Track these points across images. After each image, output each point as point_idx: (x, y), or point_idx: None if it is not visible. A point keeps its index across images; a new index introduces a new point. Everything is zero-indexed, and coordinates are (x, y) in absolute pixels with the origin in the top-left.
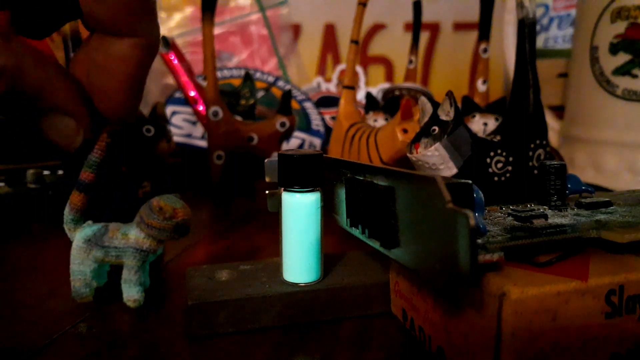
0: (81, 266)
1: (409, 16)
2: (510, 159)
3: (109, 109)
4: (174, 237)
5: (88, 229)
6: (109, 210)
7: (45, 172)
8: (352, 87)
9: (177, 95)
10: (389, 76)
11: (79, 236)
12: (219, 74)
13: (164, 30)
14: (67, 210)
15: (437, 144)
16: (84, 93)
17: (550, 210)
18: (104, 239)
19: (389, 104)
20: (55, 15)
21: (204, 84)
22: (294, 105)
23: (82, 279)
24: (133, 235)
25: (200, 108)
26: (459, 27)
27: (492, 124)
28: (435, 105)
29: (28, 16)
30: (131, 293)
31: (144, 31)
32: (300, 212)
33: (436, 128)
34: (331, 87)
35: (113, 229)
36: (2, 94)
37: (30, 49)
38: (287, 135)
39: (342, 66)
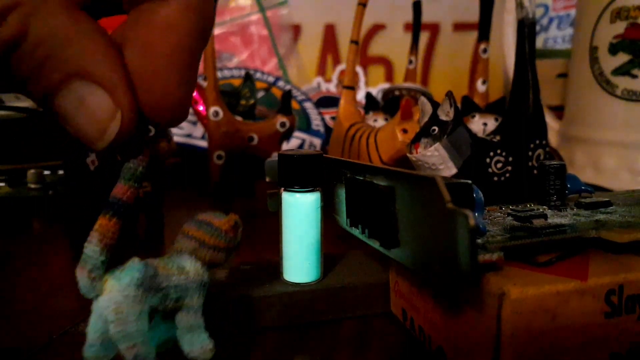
0: (139, 323)
1: (409, 16)
2: (510, 159)
3: (154, 102)
4: (232, 254)
5: (135, 271)
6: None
7: (46, 172)
8: (352, 87)
9: None
10: (389, 76)
11: (124, 283)
12: (219, 74)
13: None
14: (95, 250)
15: (437, 144)
16: (122, 59)
17: (549, 210)
18: (159, 280)
19: (389, 104)
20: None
21: (204, 84)
22: (294, 105)
23: (143, 340)
24: (191, 267)
25: (201, 108)
26: (459, 27)
27: (491, 124)
28: (435, 105)
29: None
30: (204, 341)
31: None
32: (300, 212)
33: (436, 128)
34: (331, 87)
35: (159, 265)
36: (10, 42)
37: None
38: (287, 135)
39: (342, 66)
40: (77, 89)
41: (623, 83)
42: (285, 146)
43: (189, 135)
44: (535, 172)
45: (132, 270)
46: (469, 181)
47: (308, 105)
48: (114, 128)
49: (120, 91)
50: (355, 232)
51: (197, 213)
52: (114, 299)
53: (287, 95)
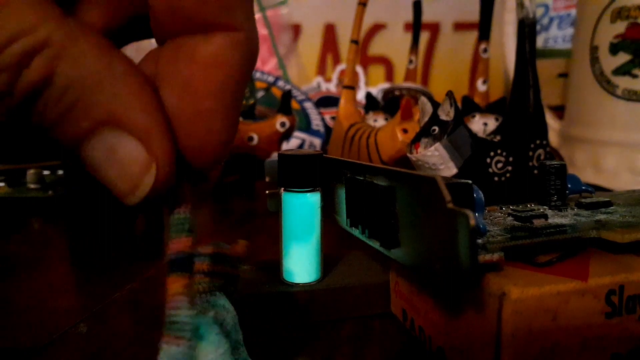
0: None
1: (409, 16)
2: (511, 159)
3: (196, 147)
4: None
5: (216, 335)
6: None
7: (46, 172)
8: (352, 87)
9: None
10: (389, 76)
11: (213, 347)
12: None
13: None
14: (184, 311)
15: (437, 144)
16: (159, 101)
17: (550, 210)
18: (225, 328)
19: (389, 104)
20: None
21: None
22: (294, 105)
23: None
24: (227, 302)
25: None
26: (459, 27)
27: (492, 124)
28: (435, 105)
29: None
30: None
31: (242, 21)
32: (300, 212)
33: (436, 128)
34: (331, 87)
35: (210, 311)
36: (35, 87)
37: (90, 30)
38: (287, 135)
39: (342, 66)
40: (107, 139)
41: (624, 83)
42: (285, 146)
43: None
44: (535, 172)
45: (215, 334)
46: (469, 181)
47: (308, 105)
48: (148, 182)
49: (156, 140)
50: (355, 232)
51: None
52: None
53: (287, 95)
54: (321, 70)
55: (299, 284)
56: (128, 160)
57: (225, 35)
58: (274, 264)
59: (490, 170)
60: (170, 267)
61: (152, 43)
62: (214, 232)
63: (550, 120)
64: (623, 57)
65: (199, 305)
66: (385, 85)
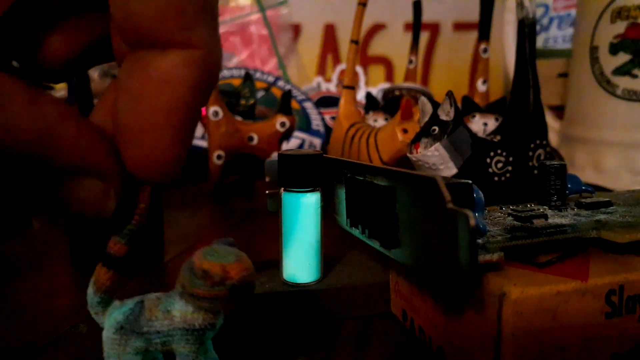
0: None
1: (409, 16)
2: (510, 159)
3: (143, 160)
4: (234, 303)
5: (117, 313)
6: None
7: None
8: (352, 87)
9: None
10: (389, 76)
11: (108, 324)
12: None
13: None
14: (91, 291)
15: (437, 144)
16: (109, 142)
17: (550, 210)
18: (141, 323)
19: (389, 104)
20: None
21: None
22: (294, 105)
23: None
24: (178, 311)
25: None
26: (459, 27)
27: (492, 124)
28: (435, 105)
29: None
30: None
31: (200, 39)
32: (300, 212)
33: (436, 128)
34: (331, 87)
35: (150, 306)
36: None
37: (56, 102)
38: (287, 135)
39: (342, 66)
40: (74, 183)
41: (623, 83)
42: (285, 146)
43: None
44: (535, 172)
45: (114, 313)
46: (469, 181)
47: (308, 105)
48: (112, 202)
49: (107, 171)
50: (355, 232)
51: (214, 241)
52: (104, 336)
53: (287, 95)
54: (321, 70)
55: (299, 284)
56: (93, 195)
57: (180, 52)
58: (274, 264)
59: (490, 170)
60: (105, 261)
61: None
62: (214, 232)
63: (550, 120)
64: (623, 57)
65: (103, 290)
66: (385, 85)
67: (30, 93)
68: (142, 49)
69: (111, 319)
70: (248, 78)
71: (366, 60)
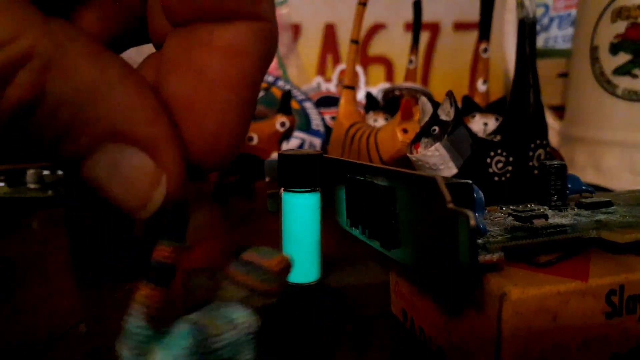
0: None
1: (409, 16)
2: (511, 159)
3: (206, 141)
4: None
5: (184, 339)
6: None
7: (45, 172)
8: (352, 87)
9: None
10: (389, 76)
11: (176, 354)
12: None
13: None
14: (136, 324)
15: (437, 144)
16: (171, 119)
17: (550, 211)
18: (211, 341)
19: (389, 104)
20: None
21: None
22: (294, 105)
23: None
24: (242, 317)
25: None
26: (459, 27)
27: (492, 124)
28: (435, 105)
29: None
30: None
31: (266, 11)
32: (300, 212)
33: (436, 128)
34: (331, 87)
35: (210, 322)
36: (21, 106)
37: (78, 34)
38: (287, 135)
39: (342, 66)
40: (110, 154)
41: (624, 83)
42: (285, 146)
43: None
44: (536, 172)
45: (181, 338)
46: (470, 181)
47: (308, 105)
48: (159, 195)
49: (163, 150)
50: (355, 232)
51: (243, 251)
52: None
53: (287, 95)
54: (321, 70)
55: (299, 284)
56: (134, 175)
57: (248, 23)
58: None
59: (490, 170)
60: (146, 274)
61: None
62: (214, 232)
63: (550, 120)
64: (623, 57)
65: (152, 320)
66: (385, 85)
67: (92, 45)
68: (203, 22)
69: (176, 348)
70: None
71: (366, 60)
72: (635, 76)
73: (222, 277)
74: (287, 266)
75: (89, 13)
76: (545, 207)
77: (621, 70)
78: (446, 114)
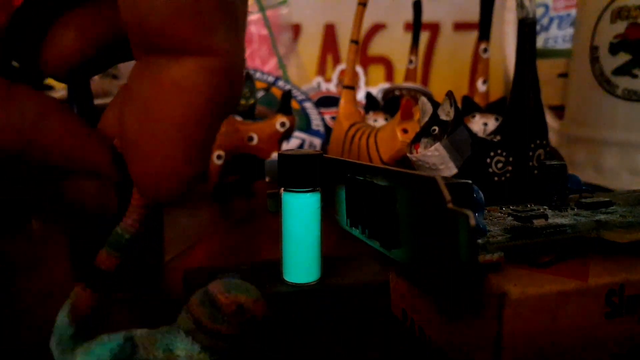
0: None
1: (409, 16)
2: (510, 159)
3: (151, 179)
4: (241, 341)
5: (100, 350)
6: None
7: None
8: (352, 87)
9: None
10: (389, 76)
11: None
12: None
13: None
14: (64, 322)
15: (437, 144)
16: (102, 139)
17: (550, 211)
18: None
19: (389, 104)
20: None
21: None
22: (294, 105)
23: None
24: (183, 350)
25: None
26: (459, 27)
27: (492, 124)
28: (435, 105)
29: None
30: None
31: (220, 45)
32: (300, 212)
33: (436, 128)
34: (331, 87)
35: (144, 343)
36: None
37: (35, 97)
38: (287, 135)
39: (342, 66)
40: (70, 187)
41: (624, 83)
42: (285, 146)
43: None
44: (535, 172)
45: (104, 349)
46: (469, 181)
47: (308, 105)
48: (113, 204)
49: (109, 173)
50: (355, 232)
51: (218, 276)
52: None
53: (287, 95)
54: (321, 70)
55: (299, 284)
56: (91, 197)
57: (197, 59)
58: (274, 264)
59: (490, 170)
60: (87, 277)
61: None
62: (214, 232)
63: (550, 120)
64: (623, 57)
65: (83, 319)
66: (385, 85)
67: (5, 93)
68: (153, 54)
69: (92, 355)
70: (248, 78)
71: (366, 60)
72: (635, 76)
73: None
74: (244, 310)
75: (67, 31)
76: (545, 207)
77: (621, 70)
78: (446, 114)
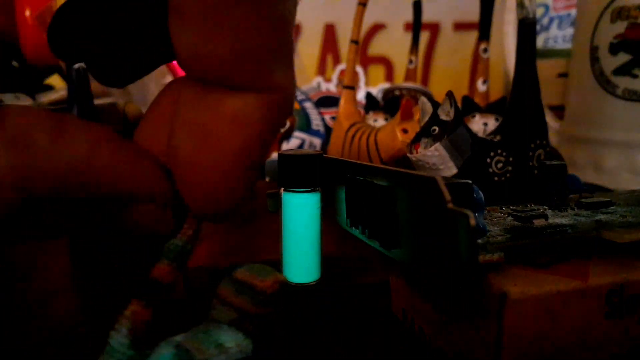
0: None
1: (409, 16)
2: (511, 159)
3: (204, 201)
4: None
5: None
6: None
7: None
8: (352, 87)
9: None
10: (389, 76)
11: None
12: None
13: None
14: (119, 340)
15: (437, 144)
16: (155, 164)
17: (550, 211)
18: None
19: (389, 104)
20: (142, 63)
21: None
22: (294, 105)
23: None
24: (232, 342)
25: None
26: (459, 27)
27: (492, 124)
28: (436, 105)
29: (111, 66)
30: None
31: (278, 83)
32: (300, 213)
33: (436, 128)
34: (331, 87)
35: (197, 346)
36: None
37: (86, 127)
38: (287, 135)
39: (342, 66)
40: (129, 215)
41: (624, 83)
42: (285, 146)
43: None
44: (535, 172)
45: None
46: (470, 181)
47: (308, 105)
48: (169, 226)
49: (165, 197)
50: (355, 232)
51: (237, 268)
52: None
53: None
54: (321, 70)
55: (299, 284)
56: (152, 222)
57: (258, 95)
58: (274, 264)
59: (490, 170)
60: (140, 289)
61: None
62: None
63: (550, 120)
64: (623, 57)
65: (135, 337)
66: (385, 85)
67: (55, 127)
68: (214, 87)
69: None
70: None
71: (366, 60)
72: (635, 76)
73: (214, 296)
74: (281, 287)
75: None
76: (545, 207)
77: (621, 70)
78: (446, 114)
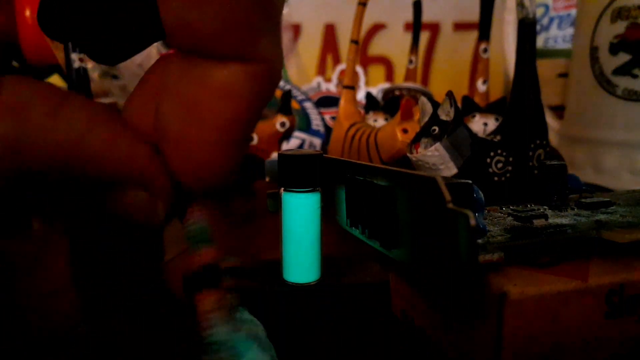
0: None
1: (409, 16)
2: (510, 159)
3: (194, 174)
4: None
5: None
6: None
7: None
8: (352, 87)
9: None
10: (389, 76)
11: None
12: None
13: None
14: (223, 328)
15: (437, 144)
16: (150, 148)
17: (550, 211)
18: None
19: (389, 104)
20: (132, 40)
21: None
22: (294, 105)
23: None
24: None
25: None
26: (459, 27)
27: (492, 124)
28: (435, 105)
29: (101, 43)
30: None
31: (265, 52)
32: (300, 213)
33: (436, 128)
34: (331, 87)
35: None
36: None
37: (87, 106)
38: (287, 135)
39: (342, 66)
40: (119, 196)
41: (624, 83)
42: (285, 146)
43: None
44: (535, 172)
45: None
46: (470, 181)
47: (308, 105)
48: (161, 214)
49: (157, 185)
50: (355, 232)
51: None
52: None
53: (287, 95)
54: (321, 70)
55: (299, 284)
56: (141, 206)
57: (243, 65)
58: (274, 264)
59: (490, 170)
60: (198, 282)
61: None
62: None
63: (550, 120)
64: (623, 57)
65: (232, 321)
66: (385, 85)
67: (55, 101)
68: (199, 57)
69: (259, 350)
70: None
71: (366, 60)
72: (635, 76)
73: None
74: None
75: None
76: (545, 207)
77: (621, 70)
78: (446, 114)
